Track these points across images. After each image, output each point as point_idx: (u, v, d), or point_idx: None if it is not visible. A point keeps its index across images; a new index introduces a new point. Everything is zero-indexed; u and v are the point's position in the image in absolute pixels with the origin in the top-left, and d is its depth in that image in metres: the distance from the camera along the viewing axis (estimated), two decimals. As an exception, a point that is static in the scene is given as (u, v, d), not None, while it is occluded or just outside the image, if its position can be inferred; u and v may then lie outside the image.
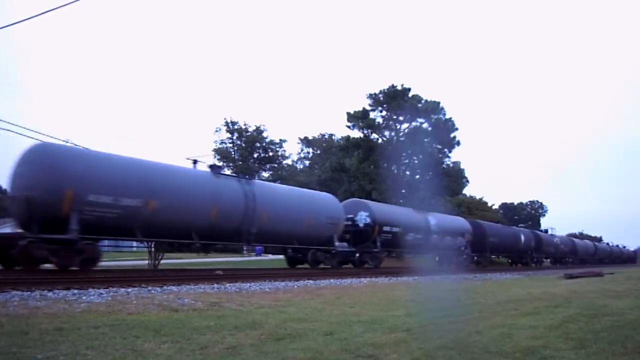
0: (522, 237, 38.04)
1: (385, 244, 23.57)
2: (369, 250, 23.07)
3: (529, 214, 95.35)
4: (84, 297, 8.13)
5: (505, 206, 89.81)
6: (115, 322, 5.92)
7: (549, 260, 47.24)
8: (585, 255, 54.21)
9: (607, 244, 74.26)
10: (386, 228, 23.34)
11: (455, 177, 48.56)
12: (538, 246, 40.54)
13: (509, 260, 40.13)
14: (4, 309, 6.61)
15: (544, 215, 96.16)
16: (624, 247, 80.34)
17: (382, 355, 4.63)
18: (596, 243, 65.90)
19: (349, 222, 22.33)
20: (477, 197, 57.70)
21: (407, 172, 47.96)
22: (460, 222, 31.04)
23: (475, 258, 30.94)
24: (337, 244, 20.97)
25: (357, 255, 22.77)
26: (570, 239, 53.37)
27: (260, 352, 4.66)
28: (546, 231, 50.42)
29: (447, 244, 27.55)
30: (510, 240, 35.97)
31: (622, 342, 5.30)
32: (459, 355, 4.65)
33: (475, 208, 50.68)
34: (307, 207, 20.08)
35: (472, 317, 7.41)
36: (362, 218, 22.81)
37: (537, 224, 79.20)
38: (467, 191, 55.73)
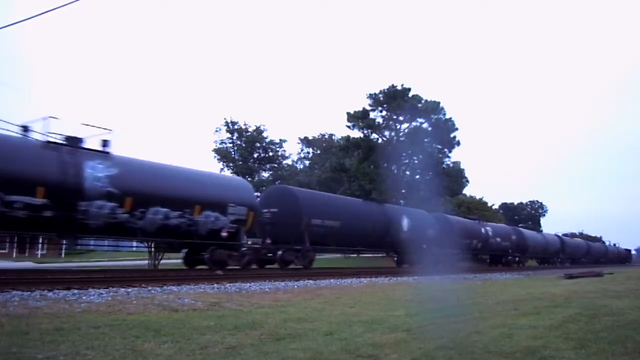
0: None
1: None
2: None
3: (529, 214, 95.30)
4: (84, 297, 8.13)
5: (505, 206, 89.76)
6: (115, 322, 5.92)
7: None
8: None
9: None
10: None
11: (455, 177, 48.54)
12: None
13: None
14: (4, 309, 6.61)
15: (544, 215, 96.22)
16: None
17: (382, 355, 4.62)
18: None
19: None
20: (477, 197, 57.68)
21: (407, 172, 47.96)
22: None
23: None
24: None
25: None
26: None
27: (260, 352, 4.66)
28: (533, 229, 50.11)
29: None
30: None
31: (622, 342, 5.30)
32: (459, 355, 4.65)
33: (475, 208, 50.60)
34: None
35: (472, 317, 7.41)
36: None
37: (537, 224, 79.19)
38: (467, 191, 55.72)
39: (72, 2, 9.96)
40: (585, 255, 55.40)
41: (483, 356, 4.72)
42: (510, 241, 36.10)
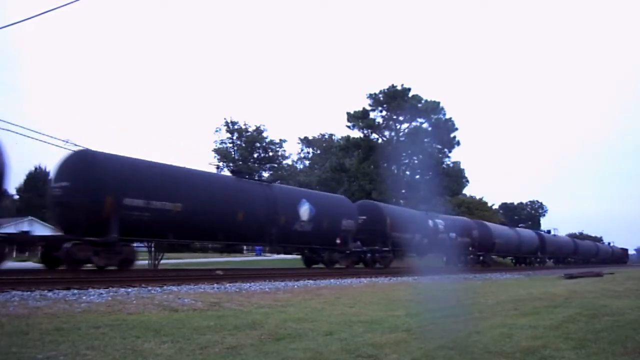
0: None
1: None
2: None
3: (529, 214, 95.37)
4: (84, 297, 8.13)
5: (505, 206, 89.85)
6: (115, 322, 5.92)
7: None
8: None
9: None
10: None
11: (455, 177, 48.59)
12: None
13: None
14: (4, 309, 6.60)
15: (544, 215, 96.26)
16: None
17: (382, 355, 4.62)
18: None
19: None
20: (477, 197, 57.73)
21: (407, 172, 48.01)
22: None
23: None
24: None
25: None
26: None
27: (260, 352, 4.66)
28: (533, 229, 49.72)
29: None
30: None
31: (622, 342, 5.30)
32: (459, 355, 4.65)
33: (475, 208, 50.64)
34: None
35: (472, 317, 7.41)
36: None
37: (537, 224, 79.20)
38: (467, 191, 55.79)
39: (72, 2, 9.96)
40: (571, 254, 50.70)
41: (483, 356, 4.72)
42: (471, 237, 30.68)
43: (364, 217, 23.20)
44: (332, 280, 14.59)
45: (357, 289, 12.68)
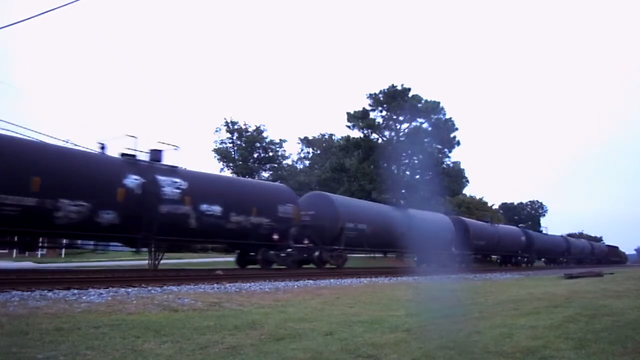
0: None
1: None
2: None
3: (529, 214, 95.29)
4: (84, 297, 8.13)
5: (505, 206, 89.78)
6: (115, 322, 5.92)
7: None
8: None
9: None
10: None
11: (455, 177, 48.55)
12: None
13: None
14: (4, 309, 6.60)
15: (544, 215, 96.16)
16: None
17: (382, 355, 4.62)
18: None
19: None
20: (477, 197, 57.73)
21: (407, 172, 47.96)
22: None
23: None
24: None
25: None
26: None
27: (260, 352, 4.66)
28: (533, 229, 48.77)
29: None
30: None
31: (622, 342, 5.30)
32: (459, 355, 4.65)
33: (475, 208, 50.66)
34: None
35: (472, 317, 7.41)
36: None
37: (537, 224, 79.12)
38: (467, 191, 55.77)
39: (72, 2, 9.95)
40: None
41: (483, 356, 4.71)
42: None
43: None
44: (332, 280, 14.59)
45: (357, 289, 12.68)
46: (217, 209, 16.39)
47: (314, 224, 20.38)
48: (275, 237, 18.19)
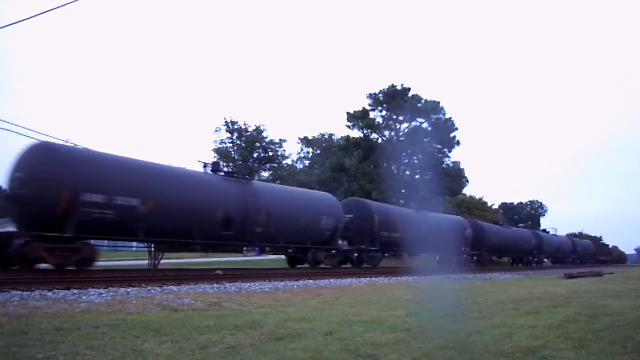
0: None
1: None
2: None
3: (529, 214, 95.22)
4: (84, 297, 8.12)
5: (505, 206, 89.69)
6: (115, 322, 5.91)
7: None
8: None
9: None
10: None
11: (455, 177, 48.51)
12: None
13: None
14: (4, 309, 6.60)
15: (544, 215, 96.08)
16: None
17: (382, 355, 4.62)
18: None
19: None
20: (477, 197, 57.69)
21: (407, 172, 47.94)
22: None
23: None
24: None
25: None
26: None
27: (260, 352, 4.66)
28: (533, 229, 49.06)
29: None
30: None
31: (622, 342, 5.30)
32: (459, 355, 4.65)
33: (475, 208, 50.65)
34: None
35: (472, 317, 7.41)
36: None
37: (537, 224, 79.07)
38: (467, 191, 55.71)
39: (72, 2, 9.95)
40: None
41: (483, 356, 4.71)
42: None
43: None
44: (332, 280, 14.58)
45: (357, 289, 12.68)
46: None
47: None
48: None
